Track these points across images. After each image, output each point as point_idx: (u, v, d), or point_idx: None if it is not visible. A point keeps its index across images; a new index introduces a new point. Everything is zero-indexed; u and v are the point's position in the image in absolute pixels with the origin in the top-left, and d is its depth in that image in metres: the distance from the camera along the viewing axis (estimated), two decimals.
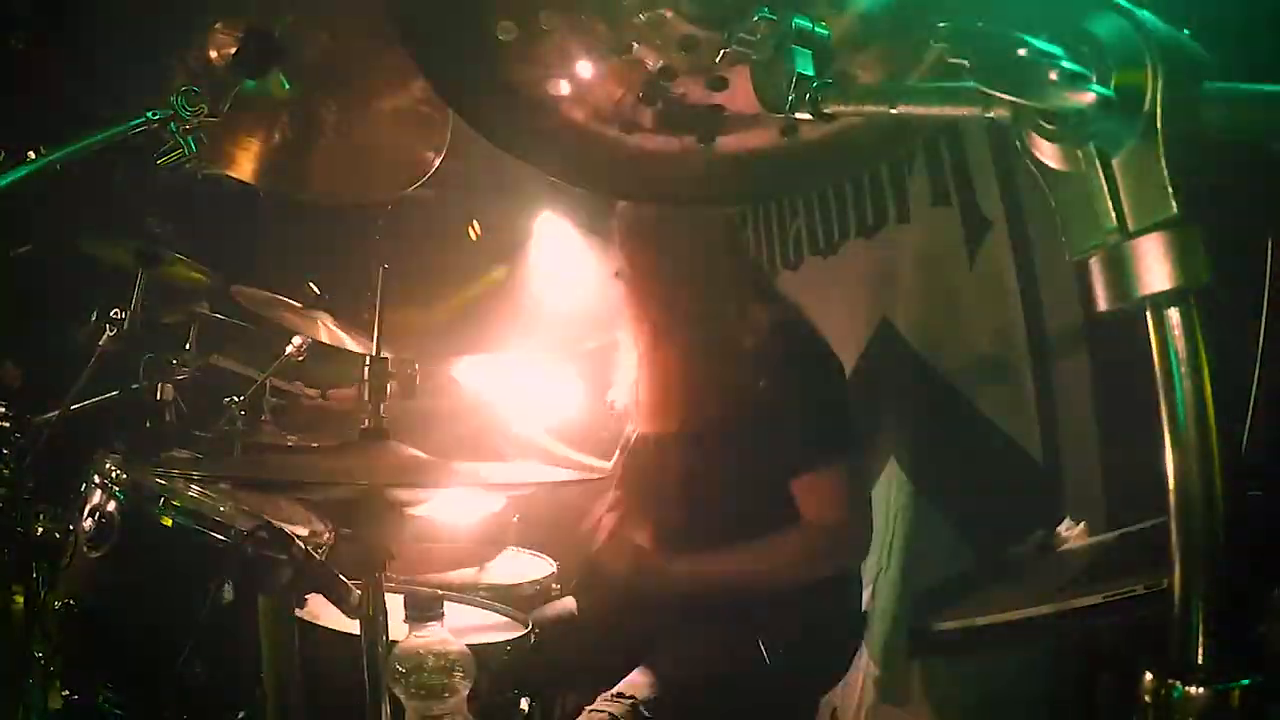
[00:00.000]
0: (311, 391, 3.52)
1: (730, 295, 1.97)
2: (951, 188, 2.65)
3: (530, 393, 2.58)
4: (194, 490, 1.85)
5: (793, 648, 1.84)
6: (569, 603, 2.14)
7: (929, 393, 2.71)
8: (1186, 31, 0.45)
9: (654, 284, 1.99)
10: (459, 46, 0.85)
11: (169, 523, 1.67)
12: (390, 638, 1.22)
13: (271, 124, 1.64)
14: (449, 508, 2.20)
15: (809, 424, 1.85)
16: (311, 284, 2.83)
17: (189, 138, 1.35)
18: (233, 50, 1.49)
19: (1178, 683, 0.49)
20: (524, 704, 1.71)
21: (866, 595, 2.49)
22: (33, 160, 1.24)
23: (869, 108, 0.64)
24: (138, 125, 1.32)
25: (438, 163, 1.58)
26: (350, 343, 2.68)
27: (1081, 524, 2.12)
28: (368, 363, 1.25)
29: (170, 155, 1.35)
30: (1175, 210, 0.44)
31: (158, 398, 1.90)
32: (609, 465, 2.29)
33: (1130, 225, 0.45)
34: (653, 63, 0.86)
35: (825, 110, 0.67)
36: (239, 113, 1.56)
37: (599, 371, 2.30)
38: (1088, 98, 0.43)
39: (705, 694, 1.79)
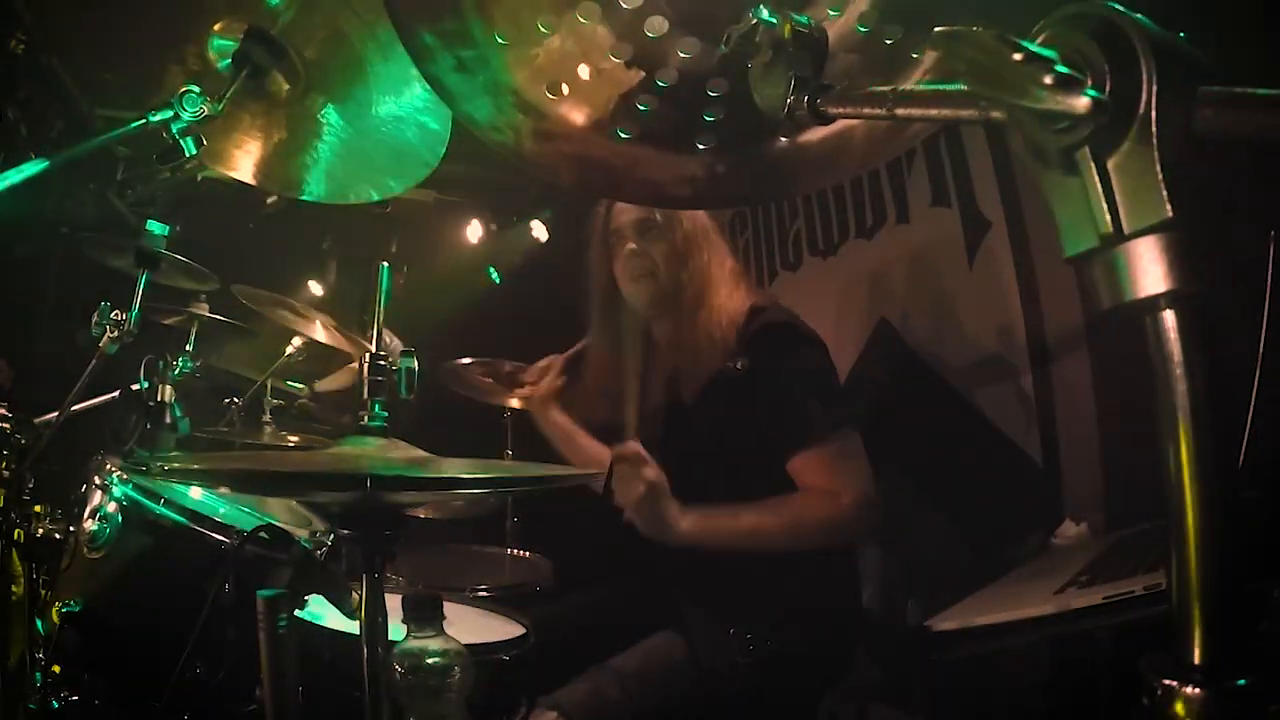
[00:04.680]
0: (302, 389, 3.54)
1: (716, 282, 1.98)
2: (951, 188, 2.65)
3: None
4: (194, 491, 1.85)
5: (791, 648, 1.84)
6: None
7: (929, 393, 2.71)
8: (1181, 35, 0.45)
9: (659, 276, 2.01)
10: (458, 48, 0.86)
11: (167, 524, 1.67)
12: (390, 638, 1.22)
13: (271, 124, 1.64)
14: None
15: (794, 404, 1.84)
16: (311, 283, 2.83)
17: (189, 139, 1.36)
18: (233, 50, 1.50)
19: (1176, 683, 0.49)
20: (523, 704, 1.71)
21: (866, 595, 2.49)
22: (34, 161, 1.25)
23: (867, 110, 0.64)
24: (138, 126, 1.32)
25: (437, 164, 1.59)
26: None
27: (1082, 524, 2.12)
28: (366, 359, 1.24)
29: (171, 156, 1.35)
30: (1170, 213, 0.44)
31: (157, 398, 1.89)
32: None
33: (1125, 228, 0.45)
34: (653, 65, 0.86)
35: (824, 113, 0.67)
36: (239, 113, 1.57)
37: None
38: (1082, 101, 0.43)
39: (701, 694, 1.79)
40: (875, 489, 1.84)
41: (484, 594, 2.19)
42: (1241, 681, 0.48)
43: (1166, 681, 0.49)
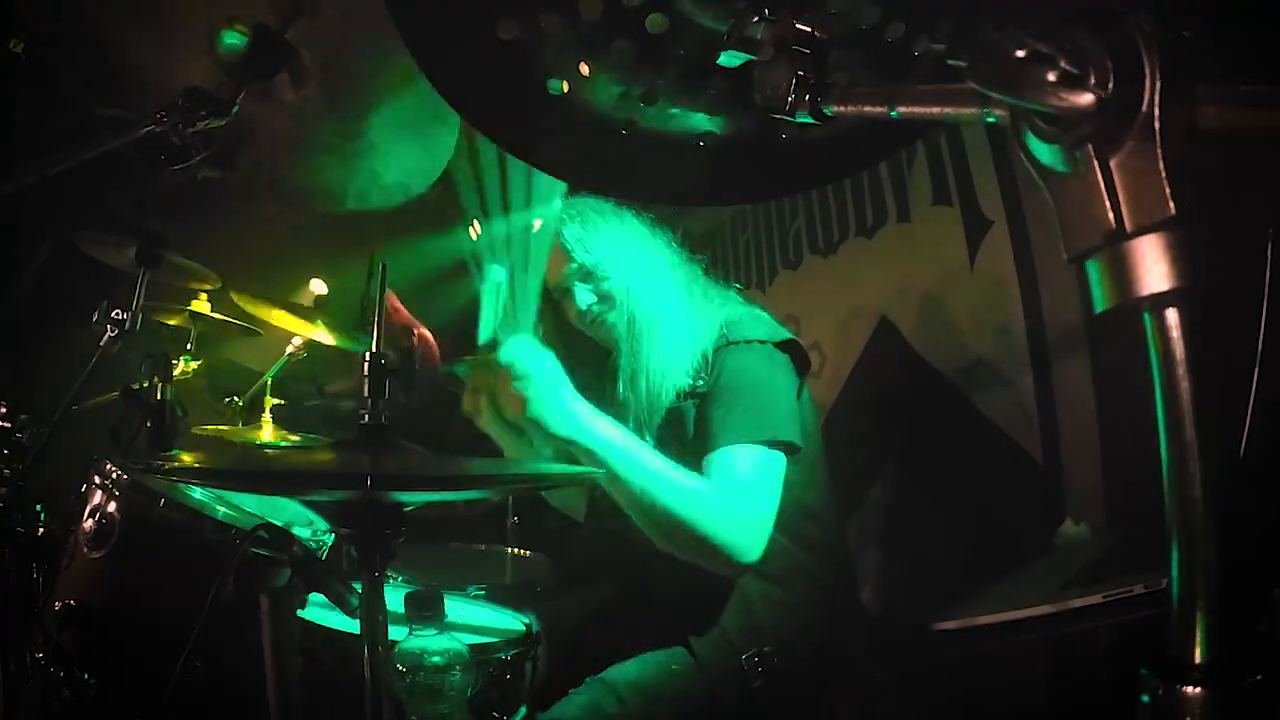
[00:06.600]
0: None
1: (680, 307, 1.94)
2: (952, 188, 2.65)
3: None
4: (194, 490, 1.85)
5: (789, 649, 1.83)
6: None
7: (929, 393, 2.72)
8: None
9: (613, 314, 1.96)
10: (461, 47, 0.85)
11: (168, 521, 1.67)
12: (390, 637, 1.22)
13: (274, 126, 1.64)
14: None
15: (732, 410, 1.77)
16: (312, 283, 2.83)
17: (194, 140, 1.35)
18: (239, 52, 1.49)
19: (1177, 683, 0.49)
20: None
21: (865, 595, 2.49)
22: (36, 162, 1.25)
23: (869, 108, 0.64)
24: (144, 127, 1.32)
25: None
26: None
27: (1082, 524, 2.12)
28: (366, 358, 1.24)
29: (175, 157, 1.35)
30: (1173, 210, 0.44)
31: (158, 398, 1.90)
32: None
33: (1128, 226, 0.45)
34: (654, 62, 0.86)
35: (825, 111, 0.67)
36: (242, 115, 1.57)
37: None
38: (1085, 98, 0.43)
39: (699, 696, 1.79)
40: (771, 508, 1.70)
41: (484, 593, 2.18)
42: (1244, 681, 0.48)
43: (1167, 681, 0.49)
